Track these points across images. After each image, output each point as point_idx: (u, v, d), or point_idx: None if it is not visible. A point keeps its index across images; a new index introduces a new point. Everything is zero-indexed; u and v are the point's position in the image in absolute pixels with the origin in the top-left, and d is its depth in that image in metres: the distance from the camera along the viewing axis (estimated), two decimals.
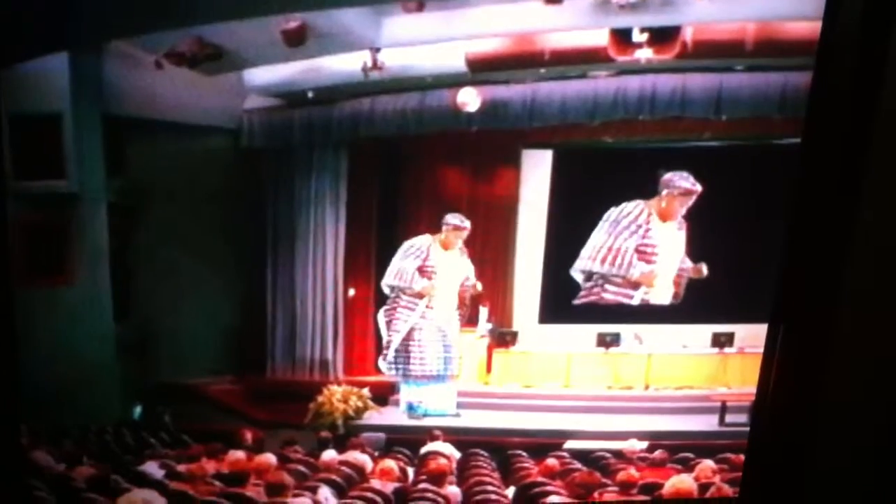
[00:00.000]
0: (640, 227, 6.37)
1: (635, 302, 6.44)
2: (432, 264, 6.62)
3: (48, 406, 5.23)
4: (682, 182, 6.21)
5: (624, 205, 6.31)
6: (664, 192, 6.30)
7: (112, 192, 6.36)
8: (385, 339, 6.70)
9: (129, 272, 6.49)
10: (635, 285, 6.42)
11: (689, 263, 6.36)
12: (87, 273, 6.21)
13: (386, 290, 6.69)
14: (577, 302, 6.50)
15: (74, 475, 5.04)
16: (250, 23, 5.51)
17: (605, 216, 6.31)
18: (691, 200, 6.25)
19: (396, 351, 6.66)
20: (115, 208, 6.37)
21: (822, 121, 3.35)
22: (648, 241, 6.40)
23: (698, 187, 6.20)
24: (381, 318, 6.72)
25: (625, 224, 6.33)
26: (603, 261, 6.36)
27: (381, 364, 6.71)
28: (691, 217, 6.38)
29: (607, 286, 6.44)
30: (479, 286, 6.70)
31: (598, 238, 6.34)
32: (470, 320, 6.85)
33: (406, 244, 6.65)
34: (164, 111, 6.38)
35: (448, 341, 6.68)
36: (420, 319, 6.66)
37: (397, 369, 6.66)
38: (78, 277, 6.19)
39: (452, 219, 6.60)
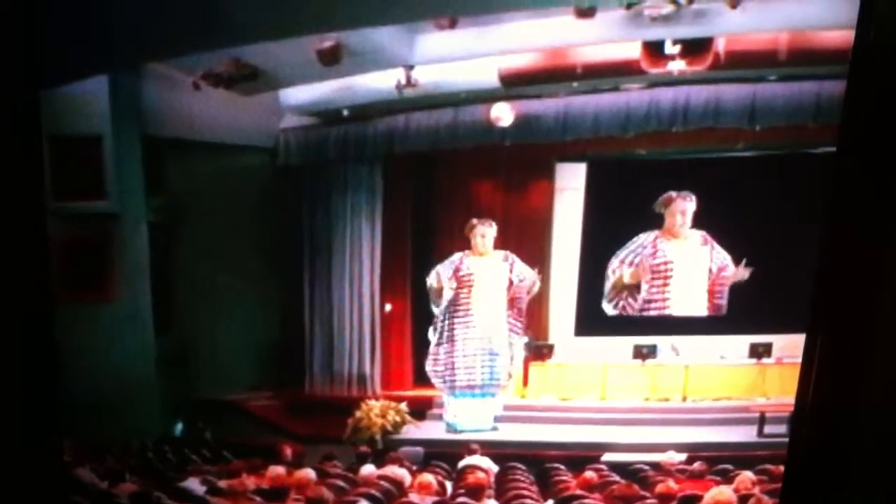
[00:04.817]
0: (644, 248, 6.52)
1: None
2: (468, 270, 6.70)
3: (90, 421, 5.27)
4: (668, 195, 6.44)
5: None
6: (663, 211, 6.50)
7: (152, 210, 6.48)
8: (433, 348, 6.78)
9: (168, 289, 6.60)
10: None
11: (731, 272, 6.44)
12: (129, 290, 6.32)
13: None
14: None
15: (117, 492, 5.08)
16: (286, 43, 5.58)
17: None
18: (686, 208, 6.40)
19: (442, 361, 6.71)
20: (154, 226, 6.50)
21: (858, 128, 3.33)
22: (659, 260, 6.51)
23: (674, 194, 6.40)
24: (431, 329, 6.81)
25: (632, 249, 6.60)
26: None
27: (429, 374, 6.78)
28: (726, 227, 6.41)
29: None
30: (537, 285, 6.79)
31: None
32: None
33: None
34: (201, 131, 6.50)
35: (495, 351, 6.70)
36: (464, 329, 6.69)
37: (443, 380, 6.68)
38: (119, 294, 6.30)
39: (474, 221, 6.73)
